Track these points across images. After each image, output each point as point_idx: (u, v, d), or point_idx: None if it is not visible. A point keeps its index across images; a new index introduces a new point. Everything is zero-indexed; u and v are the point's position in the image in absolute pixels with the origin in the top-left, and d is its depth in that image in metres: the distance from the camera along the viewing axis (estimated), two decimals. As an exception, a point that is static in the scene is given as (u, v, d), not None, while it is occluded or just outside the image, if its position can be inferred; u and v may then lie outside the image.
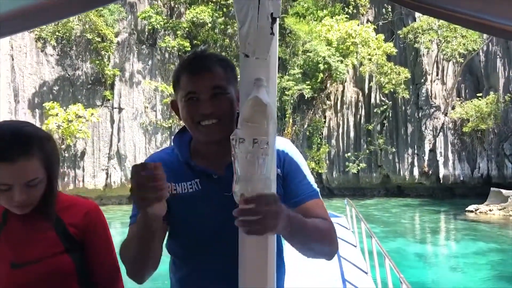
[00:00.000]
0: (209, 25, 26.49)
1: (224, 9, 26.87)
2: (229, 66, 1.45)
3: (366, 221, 7.83)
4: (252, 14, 1.21)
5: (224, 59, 1.48)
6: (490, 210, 19.81)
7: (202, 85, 1.39)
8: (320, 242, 1.38)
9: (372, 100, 27.66)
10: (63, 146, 24.08)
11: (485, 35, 25.72)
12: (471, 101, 26.00)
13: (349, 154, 27.21)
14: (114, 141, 25.33)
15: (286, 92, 25.91)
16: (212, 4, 26.86)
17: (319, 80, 26.77)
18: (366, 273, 6.51)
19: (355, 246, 7.90)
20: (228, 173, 1.35)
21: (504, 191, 20.31)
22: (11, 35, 1.51)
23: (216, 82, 1.39)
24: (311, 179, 1.49)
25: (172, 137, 1.61)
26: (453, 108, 26.96)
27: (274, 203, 1.17)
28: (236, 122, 1.40)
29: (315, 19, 28.16)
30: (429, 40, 25.89)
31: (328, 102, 28.20)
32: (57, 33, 24.46)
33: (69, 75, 25.48)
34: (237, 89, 1.46)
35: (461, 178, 26.71)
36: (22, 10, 1.23)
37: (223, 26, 26.92)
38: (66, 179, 24.33)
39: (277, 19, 1.23)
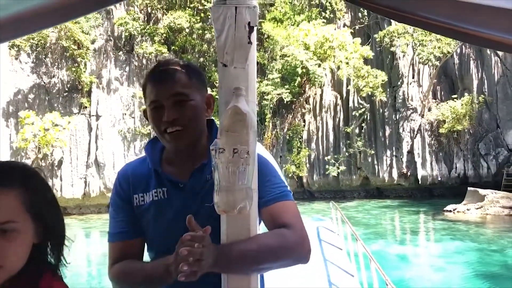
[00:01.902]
0: (187, 30, 26.40)
1: (202, 14, 26.80)
2: (193, 73, 1.45)
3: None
4: (229, 24, 1.21)
5: (188, 65, 1.48)
6: (467, 210, 20.17)
7: (163, 93, 1.40)
8: (272, 260, 1.31)
9: (350, 103, 27.92)
10: (39, 155, 23.62)
11: (458, 38, 26.21)
12: (447, 103, 26.51)
13: (328, 157, 27.37)
14: (92, 149, 24.95)
15: (265, 97, 25.98)
16: (190, 9, 26.78)
17: (297, 84, 26.92)
18: (352, 276, 6.50)
19: (341, 249, 7.88)
20: (192, 180, 1.42)
21: (480, 190, 20.71)
22: (8, 40, 1.49)
23: (177, 89, 1.39)
24: (281, 180, 1.45)
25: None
26: (429, 109, 27.43)
27: (208, 247, 1.16)
28: (204, 128, 1.46)
29: (292, 24, 28.32)
30: (405, 44, 26.31)
31: (307, 106, 28.36)
32: (31, 40, 24.03)
33: (44, 82, 25.04)
34: (206, 95, 1.47)
35: (439, 179, 27.14)
36: (18, 15, 1.22)
37: (200, 31, 26.85)
38: (43, 189, 23.83)
39: (255, 28, 1.23)
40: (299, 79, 26.76)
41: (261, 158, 1.41)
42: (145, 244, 1.51)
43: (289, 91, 26.31)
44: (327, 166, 27.22)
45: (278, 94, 26.08)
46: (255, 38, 1.24)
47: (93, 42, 25.40)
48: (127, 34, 26.22)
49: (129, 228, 1.47)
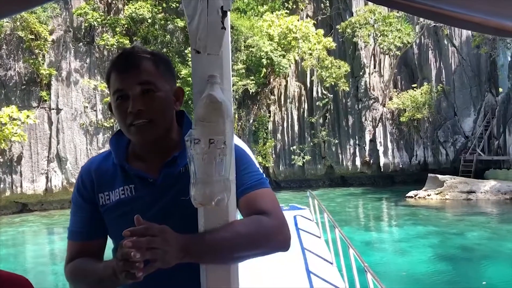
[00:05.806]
0: (149, 21, 25.87)
1: (164, 4, 26.30)
2: (161, 61, 1.37)
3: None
4: (201, 8, 1.16)
5: (155, 54, 1.39)
6: (428, 195, 20.83)
7: (129, 82, 1.30)
8: (250, 247, 1.25)
9: (314, 94, 28.18)
10: (-4, 151, 22.72)
11: (417, 28, 26.92)
12: (407, 92, 27.17)
13: (294, 147, 27.62)
14: (53, 143, 24.19)
15: (230, 88, 25.83)
16: (151, -1, 26.24)
17: (262, 75, 26.91)
18: (331, 263, 6.52)
19: (319, 237, 7.87)
20: (163, 175, 1.34)
21: (440, 176, 21.42)
22: None
23: (144, 78, 1.30)
24: (257, 168, 1.42)
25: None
26: (390, 99, 28.02)
27: (160, 235, 1.10)
28: (172, 121, 1.38)
29: (256, 14, 28.23)
30: (367, 34, 26.68)
31: (272, 97, 28.43)
32: (-16, 31, 22.97)
33: (0, 75, 24.01)
34: (175, 87, 1.40)
35: (400, 166, 27.85)
36: None
37: (163, 21, 26.37)
38: (2, 185, 22.99)
39: (228, 12, 1.19)
40: (264, 70, 26.75)
41: (236, 147, 1.36)
42: (105, 244, 1.45)
43: (254, 82, 26.27)
44: (292, 156, 27.46)
45: (244, 85, 26.01)
46: (228, 24, 1.19)
47: (51, 33, 24.50)
48: (87, 24, 25.41)
49: (88, 228, 1.42)
